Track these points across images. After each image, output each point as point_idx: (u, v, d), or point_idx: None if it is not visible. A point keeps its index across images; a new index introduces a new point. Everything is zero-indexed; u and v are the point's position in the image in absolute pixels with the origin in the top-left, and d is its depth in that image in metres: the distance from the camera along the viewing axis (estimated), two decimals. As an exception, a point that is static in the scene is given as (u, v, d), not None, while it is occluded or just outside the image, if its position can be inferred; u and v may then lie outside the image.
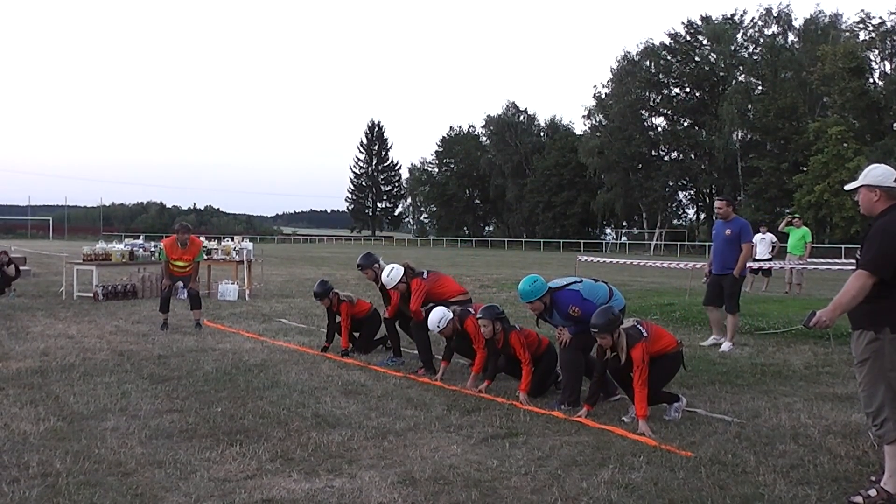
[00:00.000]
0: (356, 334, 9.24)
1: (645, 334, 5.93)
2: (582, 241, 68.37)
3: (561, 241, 70.75)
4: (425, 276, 8.25)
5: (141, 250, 16.22)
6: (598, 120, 73.07)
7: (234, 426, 5.73)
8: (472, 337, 7.27)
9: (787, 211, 44.68)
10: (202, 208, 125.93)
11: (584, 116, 76.09)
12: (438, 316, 7.36)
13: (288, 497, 4.29)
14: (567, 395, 6.48)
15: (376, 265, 8.80)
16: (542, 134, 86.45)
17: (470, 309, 7.53)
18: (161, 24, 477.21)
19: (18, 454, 4.98)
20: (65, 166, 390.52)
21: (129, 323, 11.53)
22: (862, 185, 4.37)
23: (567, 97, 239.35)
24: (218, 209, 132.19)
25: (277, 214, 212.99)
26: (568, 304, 6.54)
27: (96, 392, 6.82)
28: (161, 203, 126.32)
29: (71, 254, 19.28)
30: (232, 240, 17.67)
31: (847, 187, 4.60)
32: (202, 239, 14.45)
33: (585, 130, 75.20)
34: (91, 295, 14.79)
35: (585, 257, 22.58)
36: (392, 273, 8.21)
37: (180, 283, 11.77)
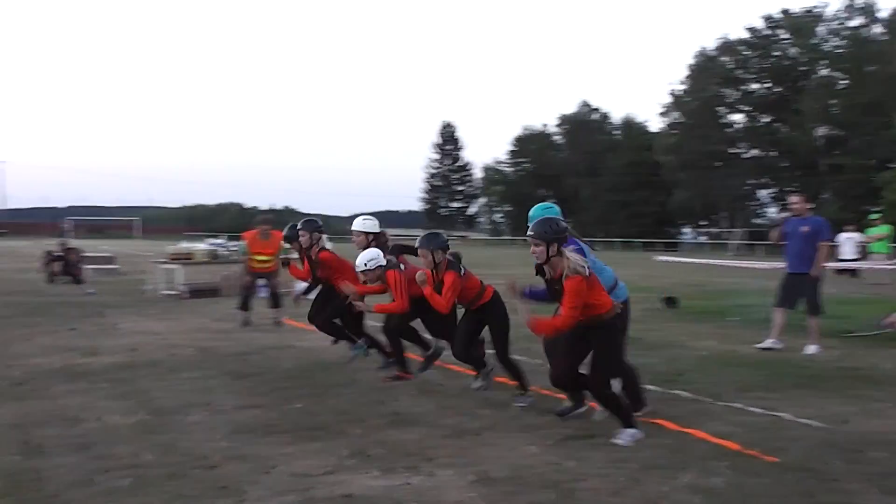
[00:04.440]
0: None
1: (587, 274, 5.14)
2: (659, 241, 67.03)
3: (637, 240, 69.60)
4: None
5: (223, 250, 16.66)
6: (673, 117, 71.68)
7: (314, 422, 5.83)
8: (390, 286, 6.91)
9: (874, 210, 42.97)
10: (280, 208, 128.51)
11: (659, 114, 74.72)
12: (370, 255, 7.04)
13: (367, 493, 4.34)
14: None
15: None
16: (615, 132, 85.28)
17: (394, 260, 7.08)
18: (246, 28, 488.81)
19: (110, 446, 5.18)
20: (148, 167, 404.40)
21: (212, 320, 11.85)
22: None
23: (641, 95, 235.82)
24: (295, 209, 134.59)
25: (353, 214, 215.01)
26: None
27: (181, 387, 7.04)
28: (240, 204, 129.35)
29: (156, 253, 19.93)
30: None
31: None
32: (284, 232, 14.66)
33: (661, 128, 73.90)
34: (176, 293, 15.27)
35: (663, 257, 22.12)
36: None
37: (261, 281, 12.00)
